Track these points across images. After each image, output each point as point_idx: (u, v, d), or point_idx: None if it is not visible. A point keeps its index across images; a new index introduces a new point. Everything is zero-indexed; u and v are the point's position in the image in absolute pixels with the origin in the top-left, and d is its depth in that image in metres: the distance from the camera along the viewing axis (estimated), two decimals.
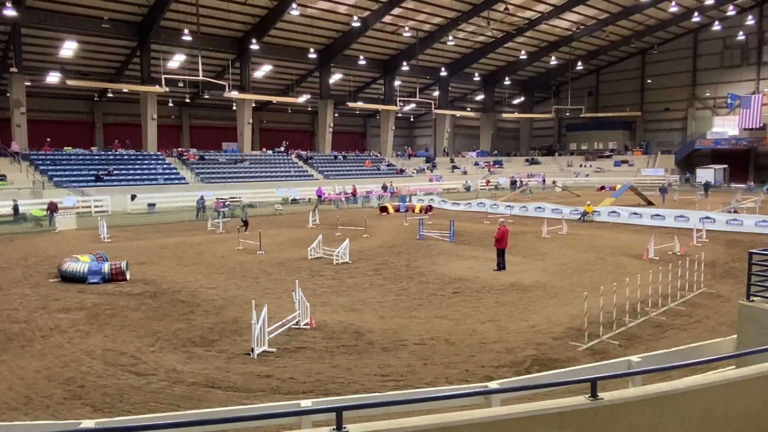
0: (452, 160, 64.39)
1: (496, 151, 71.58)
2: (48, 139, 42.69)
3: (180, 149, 49.07)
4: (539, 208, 33.27)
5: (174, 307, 13.00)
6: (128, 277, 15.86)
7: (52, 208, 29.24)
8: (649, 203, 35.97)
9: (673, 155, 63.79)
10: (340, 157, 56.26)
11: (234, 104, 49.71)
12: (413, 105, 64.70)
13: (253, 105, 52.16)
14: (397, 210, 34.59)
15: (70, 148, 42.98)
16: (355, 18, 44.12)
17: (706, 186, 47.30)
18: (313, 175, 50.31)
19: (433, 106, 59.92)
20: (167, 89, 43.63)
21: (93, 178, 38.45)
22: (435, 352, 9.99)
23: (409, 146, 73.76)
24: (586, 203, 31.07)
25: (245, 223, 26.87)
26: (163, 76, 41.83)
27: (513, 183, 54.57)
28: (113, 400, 7.99)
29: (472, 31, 52.84)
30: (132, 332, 11.14)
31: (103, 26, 39.31)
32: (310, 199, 42.30)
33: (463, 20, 49.27)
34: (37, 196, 33.45)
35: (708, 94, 63.75)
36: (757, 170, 59.92)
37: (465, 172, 60.67)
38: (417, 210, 33.84)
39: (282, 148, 55.42)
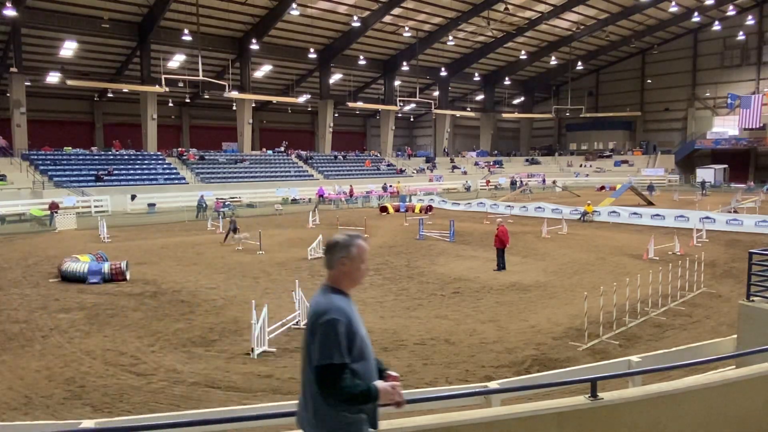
0: (452, 160, 64.39)
1: (496, 151, 71.58)
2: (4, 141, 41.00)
3: (180, 149, 49.08)
4: (539, 208, 33.26)
5: (174, 307, 13.00)
6: (128, 277, 15.86)
7: (53, 207, 29.30)
8: (649, 203, 35.97)
9: (673, 155, 63.81)
10: (340, 157, 56.25)
11: (234, 104, 49.71)
12: (413, 105, 64.69)
13: (253, 105, 52.16)
14: (397, 210, 34.59)
15: (70, 148, 42.99)
16: (355, 18, 44.11)
17: (702, 185, 47.42)
18: (313, 175, 50.31)
19: (433, 106, 59.91)
20: (167, 89, 43.61)
21: (93, 178, 38.46)
22: (435, 352, 9.98)
23: (409, 146, 73.76)
24: (586, 203, 31.06)
25: (232, 229, 22.26)
26: (163, 76, 41.81)
27: (513, 183, 54.56)
28: (113, 400, 7.99)
29: (472, 31, 52.84)
30: (132, 332, 11.13)
31: (103, 26, 39.30)
32: (310, 199, 42.31)
33: (463, 20, 49.26)
34: (37, 196, 33.46)
35: (708, 94, 63.75)
36: (757, 170, 59.91)
37: (465, 172, 60.67)
38: (417, 210, 33.83)
39: (282, 148, 55.43)
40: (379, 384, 2.95)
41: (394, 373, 3.12)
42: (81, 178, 37.89)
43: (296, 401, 3.27)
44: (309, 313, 3.05)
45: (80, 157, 41.46)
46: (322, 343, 2.84)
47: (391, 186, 48.02)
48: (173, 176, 42.48)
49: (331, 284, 3.06)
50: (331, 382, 2.82)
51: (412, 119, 77.02)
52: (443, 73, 59.48)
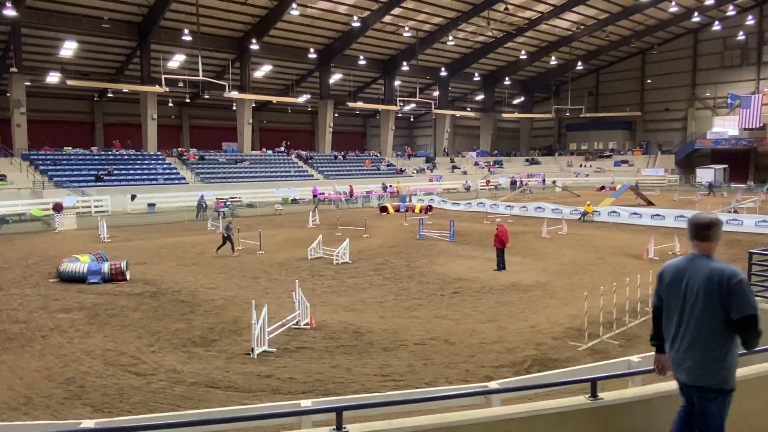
0: (452, 160, 64.38)
1: (496, 151, 71.56)
2: None
3: (180, 149, 49.09)
4: (539, 208, 33.26)
5: (174, 307, 13.00)
6: (128, 277, 15.86)
7: (56, 208, 29.34)
8: (650, 203, 35.96)
9: (673, 155, 63.81)
10: (340, 157, 56.25)
11: (234, 104, 49.72)
12: (413, 105, 64.69)
13: (253, 105, 52.17)
14: (397, 210, 34.59)
15: (70, 148, 42.98)
16: (355, 18, 44.11)
17: (710, 186, 47.60)
18: (313, 175, 50.30)
19: (433, 106, 59.91)
20: (167, 89, 43.62)
21: (93, 178, 38.45)
22: (435, 352, 9.98)
23: (409, 146, 73.77)
24: (586, 203, 31.06)
25: (225, 240, 19.81)
26: (163, 76, 41.83)
27: (513, 183, 54.54)
28: (113, 400, 7.99)
29: (472, 31, 52.83)
30: (132, 332, 11.14)
31: (103, 26, 39.32)
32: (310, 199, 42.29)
33: (463, 20, 49.26)
34: (37, 196, 33.47)
35: (708, 94, 63.73)
36: (757, 170, 59.90)
37: (465, 172, 60.66)
38: (417, 210, 33.83)
39: (282, 148, 55.42)
40: None
41: None
42: (81, 178, 37.88)
43: (297, 401, 3.28)
44: (708, 276, 3.55)
45: (80, 157, 41.45)
46: (746, 298, 3.49)
47: (391, 186, 48.02)
48: (173, 176, 42.47)
49: (709, 253, 3.66)
50: (755, 328, 3.49)
51: (412, 119, 77.02)
52: (443, 73, 59.48)
